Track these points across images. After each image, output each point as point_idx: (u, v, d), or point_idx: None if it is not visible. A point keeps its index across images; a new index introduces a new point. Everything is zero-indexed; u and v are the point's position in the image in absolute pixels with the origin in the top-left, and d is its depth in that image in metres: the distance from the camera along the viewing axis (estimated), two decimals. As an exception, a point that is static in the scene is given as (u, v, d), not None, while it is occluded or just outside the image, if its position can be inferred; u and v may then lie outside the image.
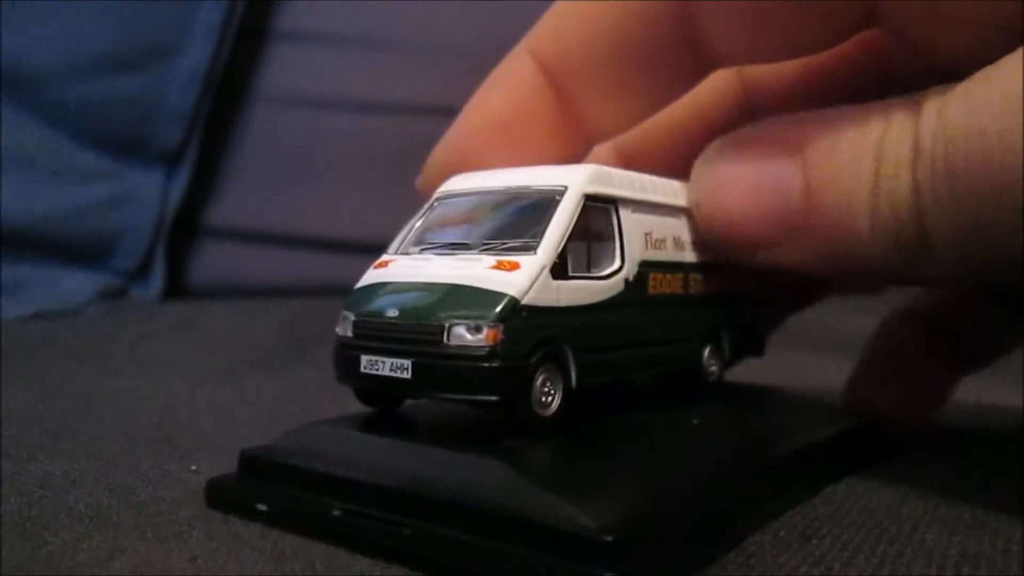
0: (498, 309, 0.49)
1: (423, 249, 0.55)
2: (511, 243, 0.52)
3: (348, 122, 1.30)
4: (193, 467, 0.57)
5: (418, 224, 0.58)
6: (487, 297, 0.49)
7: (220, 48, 1.26)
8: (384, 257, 0.56)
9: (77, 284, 1.25)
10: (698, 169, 0.59)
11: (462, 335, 0.48)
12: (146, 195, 1.29)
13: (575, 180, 0.54)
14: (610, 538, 0.39)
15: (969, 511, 0.50)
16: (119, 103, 1.26)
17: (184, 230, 1.33)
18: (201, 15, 1.25)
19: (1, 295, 1.16)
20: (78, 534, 0.45)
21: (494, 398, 0.49)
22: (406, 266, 0.54)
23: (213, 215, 1.34)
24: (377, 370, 0.50)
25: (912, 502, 0.51)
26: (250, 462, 0.52)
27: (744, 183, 0.55)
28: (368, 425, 0.53)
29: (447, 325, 0.49)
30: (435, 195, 0.59)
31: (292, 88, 1.33)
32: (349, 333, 0.53)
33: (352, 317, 0.53)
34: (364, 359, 0.51)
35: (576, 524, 0.40)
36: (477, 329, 0.48)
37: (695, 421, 0.60)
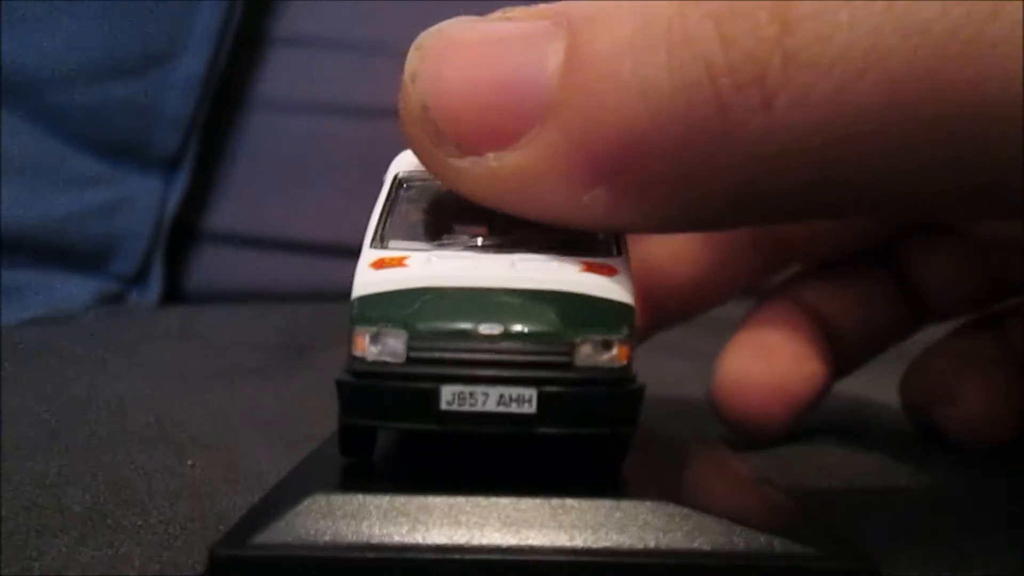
0: (627, 322, 0.40)
1: (439, 244, 0.44)
2: (576, 240, 0.43)
3: (347, 127, 1.30)
4: (190, 462, 0.56)
5: (395, 215, 0.46)
6: (605, 307, 0.40)
7: (218, 53, 1.26)
8: (389, 254, 0.44)
9: (75, 289, 1.25)
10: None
11: (590, 354, 0.39)
12: (144, 200, 1.29)
13: None
14: (876, 568, 0.35)
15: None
16: (117, 109, 1.26)
17: (182, 235, 1.33)
18: (198, 20, 1.25)
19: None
20: (74, 536, 0.45)
21: (631, 428, 0.40)
22: (446, 267, 0.42)
23: (211, 220, 1.34)
24: (474, 405, 0.38)
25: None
26: (226, 567, 0.34)
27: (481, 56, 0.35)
28: (391, 486, 0.39)
29: (577, 342, 0.39)
30: (393, 178, 0.48)
31: (290, 93, 1.33)
32: (399, 357, 0.39)
33: (404, 334, 0.39)
34: (448, 391, 0.39)
35: (839, 562, 0.35)
36: (606, 346, 0.39)
37: None
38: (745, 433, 0.58)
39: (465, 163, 0.36)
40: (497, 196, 0.37)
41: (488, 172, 0.36)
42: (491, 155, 0.35)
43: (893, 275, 0.63)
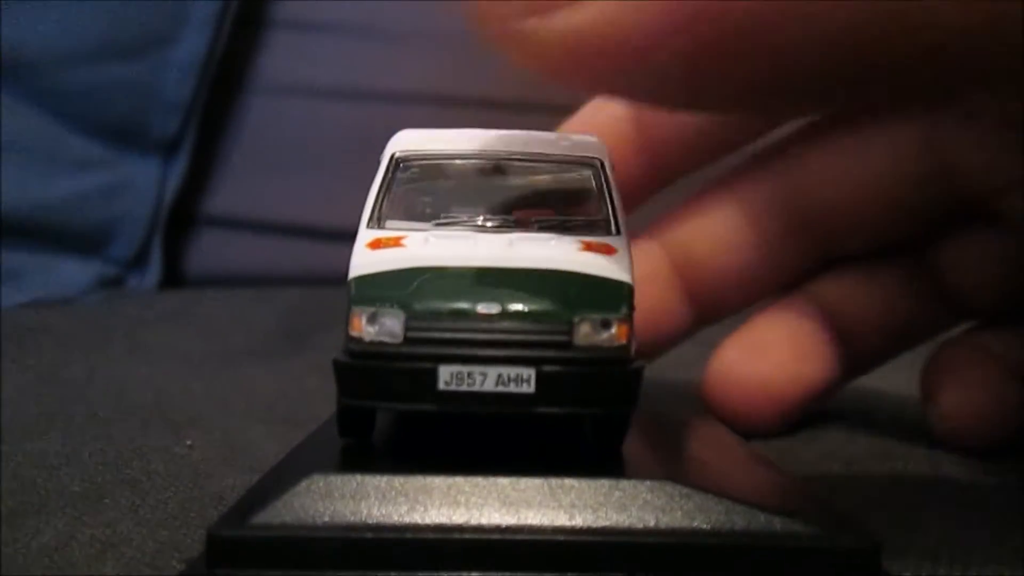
0: (626, 301, 0.40)
1: (437, 224, 0.44)
2: (575, 220, 0.43)
3: (346, 111, 1.30)
4: (188, 443, 0.56)
5: (392, 195, 0.46)
6: (604, 287, 0.40)
7: (217, 37, 1.26)
8: (386, 234, 0.44)
9: (74, 273, 1.24)
10: None
11: (588, 333, 0.39)
12: (143, 184, 1.28)
13: (601, 149, 0.46)
14: (876, 547, 0.35)
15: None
16: (116, 92, 1.26)
17: (181, 219, 1.33)
18: (198, 3, 1.25)
19: (-2, 283, 1.16)
20: (73, 515, 0.45)
21: (630, 407, 0.40)
22: (444, 246, 0.42)
23: (210, 204, 1.34)
24: (472, 385, 0.38)
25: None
26: (224, 548, 0.34)
27: None
28: (390, 466, 0.39)
29: (576, 321, 0.39)
30: (390, 157, 0.47)
31: (290, 77, 1.33)
32: (397, 337, 0.39)
33: (402, 314, 0.39)
34: (445, 371, 0.38)
35: (839, 541, 0.35)
36: (605, 325, 0.39)
37: None
38: (734, 427, 0.58)
39: (531, 23, 0.32)
40: (562, 59, 0.34)
41: (555, 32, 0.32)
42: (560, 13, 0.32)
43: (925, 273, 0.61)
